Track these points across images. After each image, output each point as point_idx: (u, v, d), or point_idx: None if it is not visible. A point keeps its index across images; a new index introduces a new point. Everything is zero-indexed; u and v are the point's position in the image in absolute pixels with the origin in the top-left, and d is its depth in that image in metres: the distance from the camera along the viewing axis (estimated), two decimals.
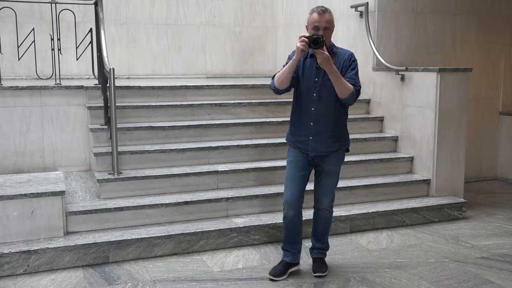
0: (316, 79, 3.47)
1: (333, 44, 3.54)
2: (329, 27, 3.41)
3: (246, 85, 5.82)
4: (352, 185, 4.90)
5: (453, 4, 6.06)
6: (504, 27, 6.42)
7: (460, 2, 6.10)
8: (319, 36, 3.24)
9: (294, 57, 3.36)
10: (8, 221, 3.80)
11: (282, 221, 3.73)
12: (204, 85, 5.65)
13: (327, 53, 3.26)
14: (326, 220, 3.75)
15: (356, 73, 3.47)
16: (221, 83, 5.82)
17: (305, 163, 3.59)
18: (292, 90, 3.62)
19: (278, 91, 3.53)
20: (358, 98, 3.64)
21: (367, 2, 5.71)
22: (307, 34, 3.32)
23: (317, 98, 3.47)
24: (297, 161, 3.60)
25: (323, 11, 3.40)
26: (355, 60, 3.50)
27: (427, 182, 5.16)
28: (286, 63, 3.46)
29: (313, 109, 3.49)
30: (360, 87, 3.48)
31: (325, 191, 3.65)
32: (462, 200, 5.11)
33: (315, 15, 3.40)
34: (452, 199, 5.08)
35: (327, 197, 3.68)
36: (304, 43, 3.27)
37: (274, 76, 3.53)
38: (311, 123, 3.51)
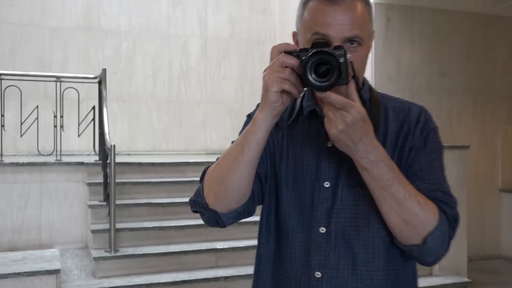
0: (327, 184, 1.33)
1: (367, 81, 1.42)
2: (360, 37, 1.26)
3: None
4: None
5: (448, 83, 6.22)
6: (499, 105, 6.55)
7: (455, 81, 6.26)
8: (334, 52, 1.16)
9: (256, 116, 1.25)
10: None
11: None
12: (204, 161, 5.67)
13: (359, 105, 1.16)
14: None
15: (442, 166, 1.45)
16: None
17: None
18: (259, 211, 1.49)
19: (214, 219, 1.42)
20: None
21: None
22: (291, 44, 1.26)
23: (332, 241, 1.31)
24: None
25: None
26: (435, 128, 1.42)
27: None
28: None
29: (317, 274, 1.31)
30: (456, 203, 1.34)
31: None
32: (466, 279, 4.99)
33: (317, 3, 1.26)
34: (456, 279, 4.96)
35: None
36: (285, 73, 1.18)
37: (204, 172, 1.44)
38: None
